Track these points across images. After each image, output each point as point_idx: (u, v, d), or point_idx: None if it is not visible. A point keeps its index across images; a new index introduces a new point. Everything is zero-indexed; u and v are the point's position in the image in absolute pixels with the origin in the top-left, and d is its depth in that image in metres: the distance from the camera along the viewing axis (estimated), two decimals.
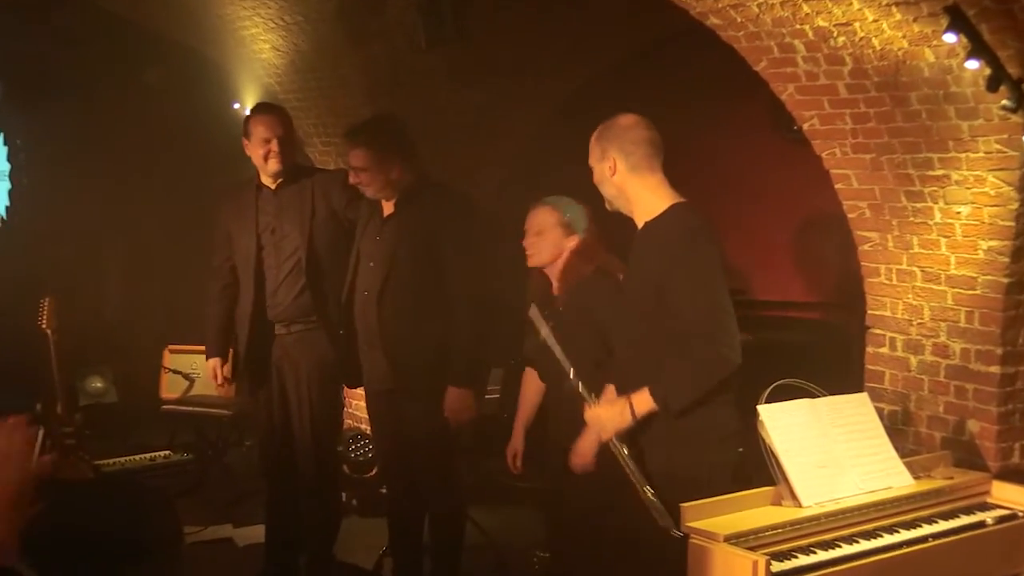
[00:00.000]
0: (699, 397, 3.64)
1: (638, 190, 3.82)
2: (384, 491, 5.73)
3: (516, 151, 7.59)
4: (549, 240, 4.58)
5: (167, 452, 7.57)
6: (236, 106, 8.18)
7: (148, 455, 7.49)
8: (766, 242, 7.21)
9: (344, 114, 7.19)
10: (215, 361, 5.50)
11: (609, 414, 3.79)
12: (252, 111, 5.46)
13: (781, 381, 4.06)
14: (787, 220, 7.06)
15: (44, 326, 6.10)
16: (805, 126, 5.09)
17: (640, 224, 3.86)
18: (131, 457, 7.44)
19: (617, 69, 7.51)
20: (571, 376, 3.94)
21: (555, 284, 4.61)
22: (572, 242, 4.56)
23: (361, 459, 6.65)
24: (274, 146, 5.18)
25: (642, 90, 7.37)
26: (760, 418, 3.98)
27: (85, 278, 9.01)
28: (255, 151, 5.23)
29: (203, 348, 7.73)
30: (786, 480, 3.94)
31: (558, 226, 4.57)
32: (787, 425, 4.02)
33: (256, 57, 7.48)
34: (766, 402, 4.01)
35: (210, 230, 5.58)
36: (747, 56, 4.98)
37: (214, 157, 8.27)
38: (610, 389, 3.94)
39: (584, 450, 4.14)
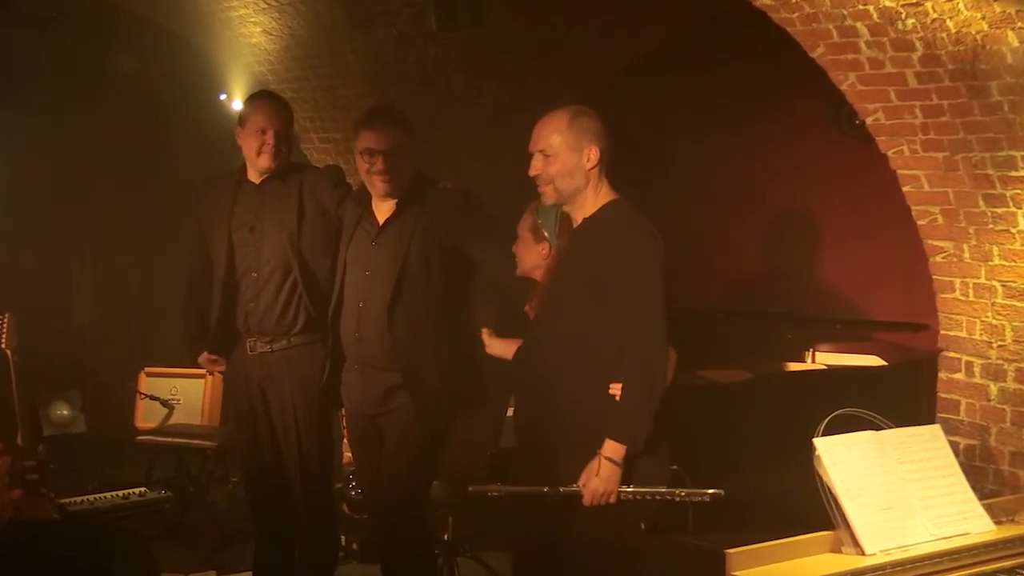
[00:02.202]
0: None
1: (594, 187, 4.12)
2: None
3: None
4: (524, 248, 4.78)
5: (143, 489, 7.57)
6: (222, 97, 8.22)
7: (121, 492, 7.48)
8: (821, 250, 7.18)
9: (344, 107, 7.21)
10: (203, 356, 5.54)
11: (602, 483, 3.99)
12: (251, 97, 5.52)
13: (840, 411, 4.03)
14: (847, 226, 7.03)
15: (3, 346, 6.10)
16: (868, 120, 5.07)
17: (578, 221, 4.15)
18: (102, 495, 7.43)
19: (653, 55, 7.50)
20: (546, 491, 4.10)
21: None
22: (544, 250, 4.71)
23: (362, 497, 6.64)
24: (269, 138, 5.20)
25: (682, 79, 7.39)
26: (816, 452, 3.95)
27: (50, 291, 9.04)
28: (248, 141, 5.26)
29: (184, 371, 7.77)
30: (847, 524, 3.91)
31: (529, 232, 4.74)
32: (848, 461, 3.99)
33: (245, 42, 7.51)
34: (823, 435, 3.98)
35: (192, 235, 5.60)
36: (802, 41, 4.98)
37: (198, 155, 8.30)
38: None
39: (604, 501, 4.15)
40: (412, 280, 4.92)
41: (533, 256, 4.75)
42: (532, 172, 4.13)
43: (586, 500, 4.00)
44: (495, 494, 4.36)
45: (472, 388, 5.10)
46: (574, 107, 4.14)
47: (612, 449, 3.97)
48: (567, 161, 4.07)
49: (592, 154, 4.05)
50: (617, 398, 4.03)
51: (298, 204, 5.24)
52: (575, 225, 4.17)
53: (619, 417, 3.99)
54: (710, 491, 4.00)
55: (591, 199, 4.11)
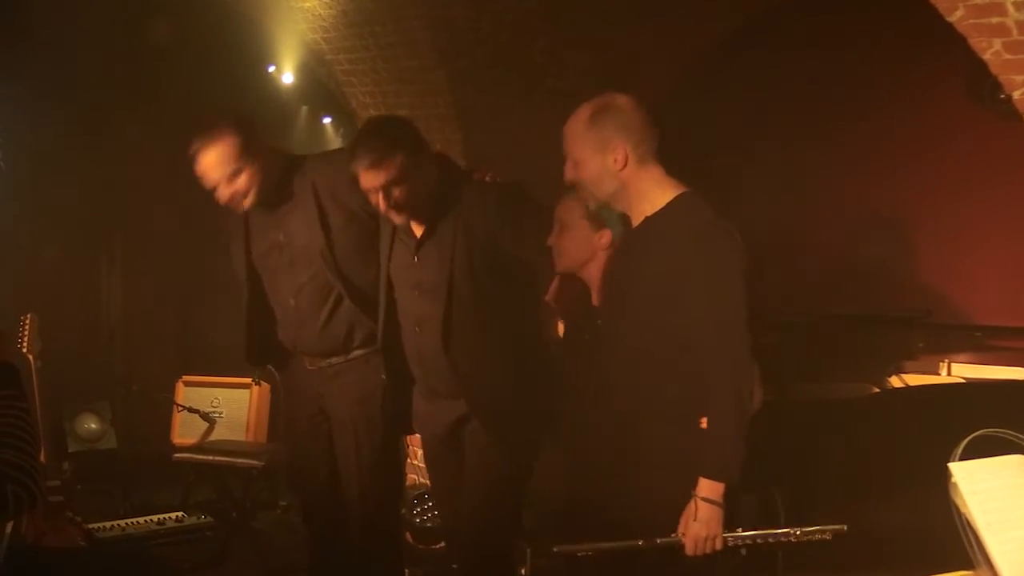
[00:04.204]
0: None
1: (645, 184, 4.05)
2: (456, 567, 5.76)
3: None
4: (575, 238, 4.64)
5: (180, 513, 7.66)
6: (271, 69, 8.27)
7: (156, 517, 7.57)
8: (958, 246, 7.11)
9: (410, 80, 7.23)
10: None
11: (704, 527, 3.91)
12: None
13: (981, 431, 3.99)
14: (989, 217, 6.96)
15: (25, 350, 6.19)
16: (1015, 94, 5.01)
17: (638, 220, 4.07)
18: (134, 519, 7.52)
19: (758, 23, 7.46)
20: (641, 544, 4.03)
21: (594, 293, 4.61)
22: (604, 238, 4.60)
23: (428, 525, 6.66)
24: (213, 182, 5.12)
25: (791, 50, 7.35)
26: (953, 479, 3.91)
27: (76, 290, 9.15)
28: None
29: (226, 380, 7.84)
30: (989, 562, 3.87)
31: (583, 219, 4.61)
32: (989, 489, 3.95)
33: (297, 7, 7.56)
34: (960, 459, 3.95)
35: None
36: (938, 3, 4.93)
37: None
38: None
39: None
40: (461, 297, 4.88)
41: (589, 246, 4.62)
42: (566, 179, 4.12)
43: (688, 549, 3.91)
44: (584, 554, 4.26)
45: (546, 405, 5.04)
46: (597, 100, 4.10)
47: (708, 488, 3.89)
48: (593, 166, 4.05)
49: (619, 155, 4.00)
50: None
51: (318, 213, 5.18)
52: (635, 223, 4.10)
53: (711, 451, 3.90)
54: (831, 527, 3.92)
55: (656, 192, 4.03)
